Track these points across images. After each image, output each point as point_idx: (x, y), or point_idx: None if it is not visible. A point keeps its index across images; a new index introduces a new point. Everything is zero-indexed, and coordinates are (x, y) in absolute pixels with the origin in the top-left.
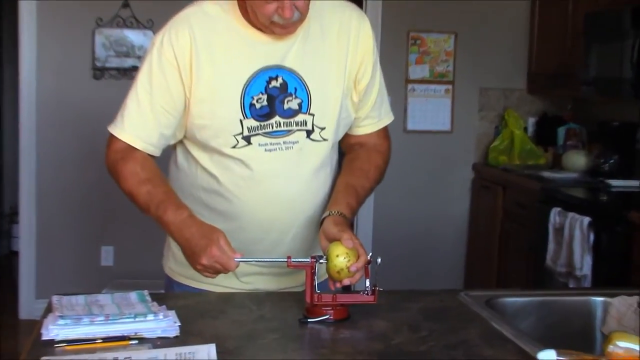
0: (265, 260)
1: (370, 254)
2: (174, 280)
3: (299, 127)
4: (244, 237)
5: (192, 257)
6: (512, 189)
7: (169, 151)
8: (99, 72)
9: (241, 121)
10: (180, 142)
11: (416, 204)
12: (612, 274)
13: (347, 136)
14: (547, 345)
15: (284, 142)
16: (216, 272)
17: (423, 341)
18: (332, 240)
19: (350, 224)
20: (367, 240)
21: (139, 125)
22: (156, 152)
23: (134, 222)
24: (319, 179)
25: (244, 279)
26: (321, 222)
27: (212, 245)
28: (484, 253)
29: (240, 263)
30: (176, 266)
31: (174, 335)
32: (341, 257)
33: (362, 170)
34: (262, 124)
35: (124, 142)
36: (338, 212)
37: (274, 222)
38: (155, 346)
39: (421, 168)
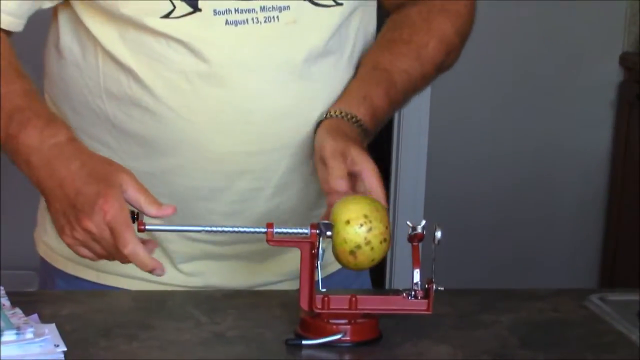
0: (222, 229)
1: (423, 222)
2: (55, 267)
3: None
4: (186, 187)
5: (66, 215)
6: None
7: (41, 24)
8: None
9: None
10: (66, 5)
11: (509, 130)
12: None
13: None
14: None
15: (263, 9)
16: (105, 250)
17: None
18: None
19: (365, 133)
20: (416, 197)
21: None
22: (14, 24)
23: None
24: (333, 78)
25: (186, 266)
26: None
27: (108, 193)
28: None
29: (175, 238)
30: (59, 242)
31: None
32: (355, 225)
33: (410, 44)
34: None
35: None
36: (341, 113)
37: (243, 159)
38: None
39: (521, 58)
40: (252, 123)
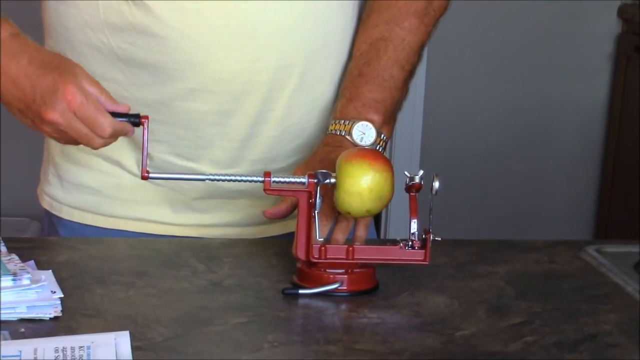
0: (222, 178)
1: (421, 172)
2: (59, 217)
3: None
4: (196, 112)
5: (27, 114)
6: None
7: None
8: None
9: None
10: None
11: (506, 82)
12: None
13: None
14: None
15: None
16: (78, 137)
17: (515, 334)
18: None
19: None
20: (413, 148)
21: None
22: None
23: None
24: None
25: (200, 203)
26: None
27: (66, 81)
28: (636, 175)
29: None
30: (63, 192)
31: (52, 315)
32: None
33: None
34: None
35: None
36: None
37: (250, 78)
38: (17, 336)
39: (518, 9)
40: (256, 38)
